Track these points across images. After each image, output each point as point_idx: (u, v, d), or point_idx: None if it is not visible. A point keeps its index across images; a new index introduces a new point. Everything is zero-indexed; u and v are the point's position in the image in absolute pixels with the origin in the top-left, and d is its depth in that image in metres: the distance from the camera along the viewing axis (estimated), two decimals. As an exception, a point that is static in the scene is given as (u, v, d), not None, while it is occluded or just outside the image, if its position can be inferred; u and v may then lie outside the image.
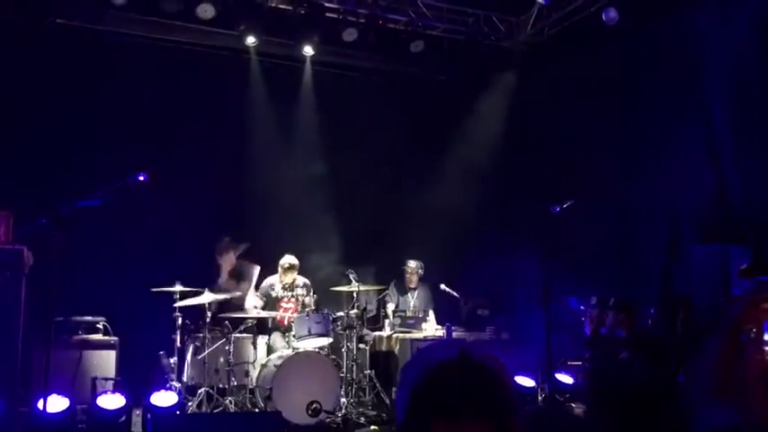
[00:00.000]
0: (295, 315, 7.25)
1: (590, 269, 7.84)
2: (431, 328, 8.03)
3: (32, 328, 6.12)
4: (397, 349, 7.83)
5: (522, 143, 8.93)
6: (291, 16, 8.19)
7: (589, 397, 2.01)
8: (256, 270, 7.76)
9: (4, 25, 7.31)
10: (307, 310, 7.38)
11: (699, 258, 7.06)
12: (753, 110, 6.87)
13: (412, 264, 8.40)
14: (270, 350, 7.28)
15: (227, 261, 7.73)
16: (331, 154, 8.81)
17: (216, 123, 8.33)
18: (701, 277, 6.95)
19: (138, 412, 6.15)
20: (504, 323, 8.04)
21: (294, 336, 6.99)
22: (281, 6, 8.16)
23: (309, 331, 6.93)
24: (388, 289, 8.44)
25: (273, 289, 7.63)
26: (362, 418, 6.89)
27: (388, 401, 7.28)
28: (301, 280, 7.71)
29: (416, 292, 8.45)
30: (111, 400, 6.08)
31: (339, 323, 7.32)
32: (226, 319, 6.96)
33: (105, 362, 6.64)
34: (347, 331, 7.29)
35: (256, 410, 6.68)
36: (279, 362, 6.69)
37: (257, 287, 7.72)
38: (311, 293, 7.66)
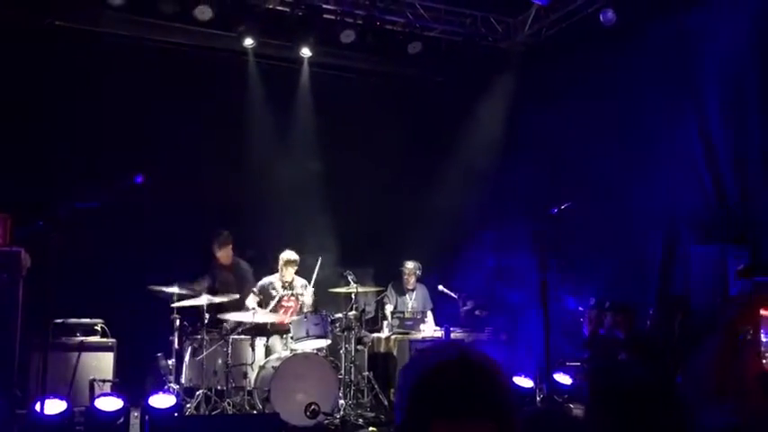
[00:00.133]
0: (294, 317, 7.24)
1: (588, 270, 7.85)
2: (429, 329, 8.04)
3: (30, 330, 6.12)
4: (395, 350, 7.82)
5: (519, 144, 8.93)
6: (289, 18, 8.19)
7: (588, 398, 2.01)
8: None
9: (2, 26, 7.30)
10: (306, 311, 7.38)
11: (696, 259, 7.07)
12: (750, 110, 6.88)
13: (410, 265, 8.40)
14: (268, 352, 7.27)
15: (225, 255, 7.73)
16: (329, 155, 8.82)
17: (213, 125, 8.32)
18: (698, 278, 6.96)
19: (136, 414, 6.13)
20: (502, 324, 8.04)
21: (292, 337, 6.98)
22: (278, 8, 8.16)
23: (308, 333, 6.93)
24: (386, 290, 8.45)
25: (273, 288, 7.63)
26: (361, 420, 6.89)
27: (386, 403, 7.28)
28: (301, 281, 7.70)
29: (414, 293, 8.45)
30: (109, 402, 6.06)
31: (337, 325, 7.32)
32: (224, 320, 6.95)
33: (103, 364, 6.64)
34: (345, 333, 7.29)
35: (254, 412, 6.67)
36: (277, 363, 6.69)
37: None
38: (310, 294, 7.65)
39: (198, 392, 6.62)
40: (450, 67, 9.22)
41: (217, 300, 6.97)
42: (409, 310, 8.24)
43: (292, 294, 7.61)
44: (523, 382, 7.20)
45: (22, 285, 6.13)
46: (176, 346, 6.71)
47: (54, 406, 5.80)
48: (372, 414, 7.09)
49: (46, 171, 7.30)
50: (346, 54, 8.82)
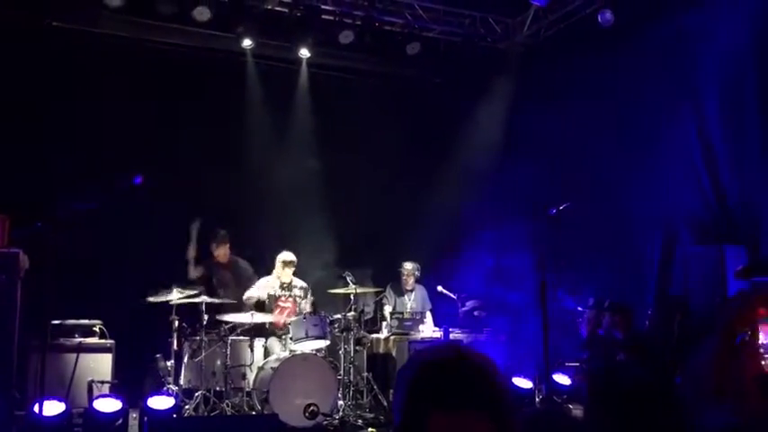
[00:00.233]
0: (292, 318, 7.24)
1: (587, 271, 7.85)
2: (428, 330, 8.03)
3: (28, 331, 6.11)
4: (394, 351, 7.82)
5: (518, 145, 8.93)
6: (287, 18, 8.19)
7: (587, 398, 2.01)
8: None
9: (1, 27, 7.29)
10: (304, 313, 7.37)
11: (695, 259, 7.07)
12: (749, 111, 6.89)
13: (408, 266, 8.39)
14: (267, 353, 7.27)
15: (222, 254, 7.72)
16: (327, 156, 8.81)
17: (212, 126, 8.32)
18: (697, 278, 6.96)
19: (134, 415, 6.13)
20: (501, 325, 8.03)
21: (291, 338, 6.98)
22: (276, 9, 8.16)
23: (306, 334, 6.92)
24: (385, 291, 8.44)
25: (271, 287, 7.62)
26: (360, 421, 6.88)
27: (385, 404, 7.27)
28: (300, 283, 7.70)
29: (413, 293, 8.44)
30: (108, 404, 6.05)
31: (336, 325, 7.31)
32: (222, 321, 6.95)
33: (102, 365, 6.62)
34: (344, 333, 7.28)
35: (253, 413, 6.67)
36: (276, 364, 6.68)
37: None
38: (308, 297, 7.65)
39: (197, 393, 6.61)
40: (448, 68, 9.23)
41: (216, 300, 6.96)
42: (408, 310, 8.24)
43: (290, 295, 7.60)
44: (523, 382, 7.20)
45: (21, 286, 6.11)
46: (175, 347, 6.70)
47: (52, 407, 5.78)
48: (371, 415, 7.09)
49: (44, 172, 7.28)
50: (345, 55, 8.83)
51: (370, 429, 6.62)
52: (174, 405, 6.24)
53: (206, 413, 6.54)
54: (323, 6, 8.22)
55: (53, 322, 6.36)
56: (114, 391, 6.35)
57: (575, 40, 8.32)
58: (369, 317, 8.41)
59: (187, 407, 6.56)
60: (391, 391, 7.36)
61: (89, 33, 7.90)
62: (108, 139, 7.70)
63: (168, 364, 6.66)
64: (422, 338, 7.76)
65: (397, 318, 8.03)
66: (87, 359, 6.57)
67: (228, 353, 6.75)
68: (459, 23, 8.94)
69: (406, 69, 9.24)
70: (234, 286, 7.67)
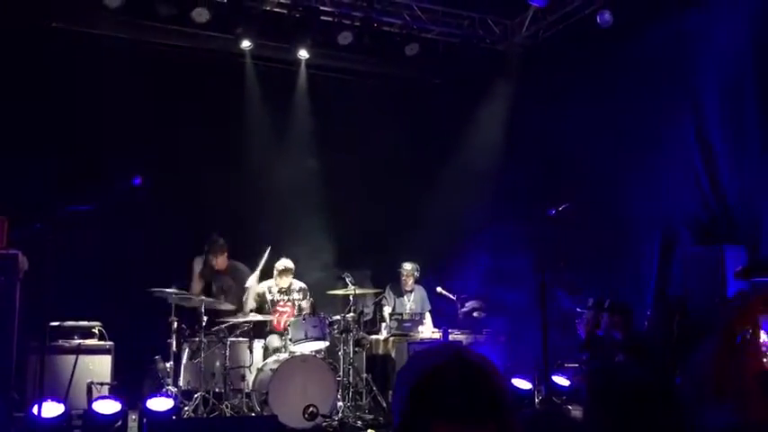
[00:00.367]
0: (292, 319, 7.24)
1: (586, 271, 7.85)
2: (427, 331, 8.03)
3: (27, 333, 6.11)
4: (393, 352, 7.81)
5: (517, 145, 8.94)
6: (286, 19, 8.18)
7: (587, 398, 2.01)
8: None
9: (1, 28, 7.29)
10: (305, 312, 7.37)
11: (694, 260, 7.07)
12: (748, 111, 6.89)
13: (408, 266, 8.39)
14: (266, 354, 7.26)
15: (221, 262, 7.70)
16: (326, 157, 8.81)
17: (211, 126, 8.32)
18: (696, 279, 6.96)
19: (134, 417, 6.12)
20: (500, 325, 8.03)
21: (290, 339, 6.97)
22: (275, 10, 8.16)
23: (306, 335, 6.92)
24: (384, 292, 8.43)
25: (270, 292, 7.62)
26: (359, 422, 6.87)
27: (384, 405, 7.26)
28: (298, 284, 7.69)
29: (413, 294, 8.43)
30: (107, 405, 6.05)
31: (335, 327, 7.30)
32: (222, 323, 6.94)
33: (101, 367, 6.61)
34: (344, 335, 7.28)
35: (253, 414, 6.66)
36: (275, 366, 6.67)
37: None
38: (308, 298, 7.64)
39: (196, 395, 6.60)
40: (447, 69, 9.23)
41: (218, 307, 6.97)
42: (407, 311, 8.23)
43: (288, 299, 7.59)
44: (522, 383, 7.20)
45: (20, 288, 6.11)
46: (174, 348, 6.69)
47: (51, 409, 5.78)
48: (371, 416, 7.08)
49: (44, 173, 7.28)
50: (344, 56, 8.83)
51: (369, 431, 6.62)
52: (174, 406, 6.24)
53: (205, 414, 6.53)
54: (321, 7, 8.22)
55: (52, 324, 6.34)
56: (113, 393, 6.34)
57: (574, 41, 8.32)
58: (368, 318, 8.41)
59: (186, 408, 6.55)
60: (390, 392, 7.35)
61: (89, 34, 7.90)
62: (107, 140, 7.69)
63: (167, 365, 6.65)
64: (421, 339, 7.76)
65: (396, 319, 8.03)
66: (86, 361, 6.57)
67: (228, 354, 6.74)
68: (457, 24, 8.94)
69: (404, 70, 9.25)
70: (235, 291, 7.64)
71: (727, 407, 1.96)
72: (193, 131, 8.10)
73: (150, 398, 6.23)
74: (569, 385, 7.14)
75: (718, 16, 7.05)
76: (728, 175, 7.10)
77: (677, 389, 2.00)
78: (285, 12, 8.17)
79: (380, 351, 7.98)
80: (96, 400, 6.14)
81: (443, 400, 1.30)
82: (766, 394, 2.05)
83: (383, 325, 8.21)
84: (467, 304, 8.21)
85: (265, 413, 6.48)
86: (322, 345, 7.08)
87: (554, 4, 8.33)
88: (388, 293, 8.43)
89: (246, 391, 6.84)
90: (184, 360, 6.82)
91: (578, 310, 7.25)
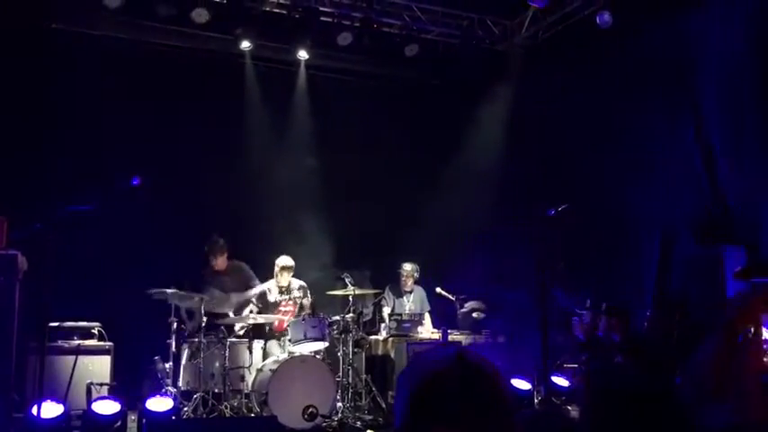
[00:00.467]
0: (291, 319, 7.24)
1: (586, 272, 7.84)
2: (427, 332, 8.03)
3: (27, 333, 6.10)
4: (393, 353, 7.81)
5: (516, 146, 8.94)
6: (286, 20, 8.18)
7: (585, 399, 2.00)
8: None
9: (0, 29, 7.29)
10: (304, 313, 7.36)
11: (694, 260, 7.07)
12: (747, 111, 6.89)
13: (407, 267, 8.38)
14: (265, 354, 7.26)
15: (221, 263, 7.69)
16: (326, 157, 8.81)
17: (211, 127, 8.32)
18: (696, 279, 6.96)
19: (133, 417, 6.12)
20: (500, 326, 8.03)
21: (290, 340, 6.97)
22: (275, 10, 8.16)
23: (305, 335, 6.91)
24: (383, 293, 8.43)
25: (270, 293, 7.61)
26: (359, 423, 6.87)
27: (384, 405, 7.26)
28: (297, 283, 7.69)
29: (412, 295, 8.43)
30: (107, 406, 6.05)
31: (335, 327, 7.30)
32: (221, 323, 6.94)
33: (100, 367, 6.62)
34: (343, 335, 7.27)
35: (252, 415, 6.66)
36: (275, 366, 6.67)
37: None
38: (308, 295, 7.64)
39: (195, 395, 6.60)
40: (447, 70, 9.22)
41: (217, 310, 6.98)
42: (407, 312, 8.23)
43: (290, 299, 7.59)
44: (521, 384, 7.20)
45: (19, 288, 6.10)
46: (174, 349, 6.69)
47: (51, 409, 5.77)
48: (370, 416, 7.08)
49: (43, 173, 7.28)
50: (343, 56, 8.83)
51: (368, 431, 6.62)
52: (173, 407, 6.24)
53: (205, 415, 6.53)
54: (321, 8, 8.22)
55: (52, 324, 6.34)
56: (113, 394, 6.34)
57: (573, 41, 8.32)
58: (367, 318, 8.40)
59: (186, 409, 6.55)
60: (390, 393, 7.35)
61: (89, 35, 7.90)
62: (107, 140, 7.68)
63: (167, 366, 6.65)
64: (420, 340, 7.75)
65: (395, 319, 8.02)
66: (86, 361, 6.57)
67: (227, 355, 6.74)
68: (457, 25, 8.93)
69: (404, 71, 9.24)
70: (237, 291, 7.61)
71: (727, 407, 1.96)
72: (193, 131, 8.10)
73: (150, 398, 6.23)
74: (569, 386, 7.14)
75: (717, 16, 7.05)
76: (728, 175, 7.10)
77: (677, 389, 2.00)
78: (285, 12, 8.16)
79: (380, 352, 7.98)
80: (96, 400, 6.14)
81: (443, 407, 1.30)
82: (766, 394, 2.04)
83: (382, 325, 8.20)
84: (466, 305, 8.21)
85: (265, 414, 6.48)
86: (321, 345, 7.07)
87: (554, 5, 8.33)
88: (388, 294, 8.43)
89: (246, 391, 6.84)
90: (184, 361, 6.82)
91: (576, 310, 7.25)
